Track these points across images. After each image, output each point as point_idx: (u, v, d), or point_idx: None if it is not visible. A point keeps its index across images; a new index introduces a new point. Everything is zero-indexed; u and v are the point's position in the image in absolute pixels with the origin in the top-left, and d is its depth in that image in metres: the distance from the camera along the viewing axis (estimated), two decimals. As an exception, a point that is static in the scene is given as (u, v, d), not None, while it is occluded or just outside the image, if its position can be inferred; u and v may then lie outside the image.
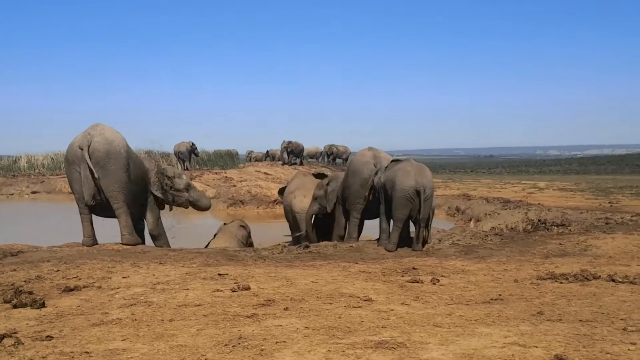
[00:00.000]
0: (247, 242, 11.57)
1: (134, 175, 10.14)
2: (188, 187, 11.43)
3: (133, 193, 10.13)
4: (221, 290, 5.88)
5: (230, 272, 6.94)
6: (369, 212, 11.01)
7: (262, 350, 3.95)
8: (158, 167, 11.22)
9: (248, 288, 5.93)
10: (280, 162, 35.91)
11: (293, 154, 35.75)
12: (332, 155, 41.74)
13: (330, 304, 5.38)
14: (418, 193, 9.57)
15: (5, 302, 5.38)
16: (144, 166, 10.73)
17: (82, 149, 9.60)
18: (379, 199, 10.39)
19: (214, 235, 11.40)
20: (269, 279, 6.59)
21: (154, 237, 10.84)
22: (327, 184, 11.90)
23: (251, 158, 44.89)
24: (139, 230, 10.62)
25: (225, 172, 29.98)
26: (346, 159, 41.48)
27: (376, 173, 10.52)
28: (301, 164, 36.64)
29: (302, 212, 12.20)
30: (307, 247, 9.73)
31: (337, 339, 4.20)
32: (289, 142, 35.10)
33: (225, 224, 11.89)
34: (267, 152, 43.81)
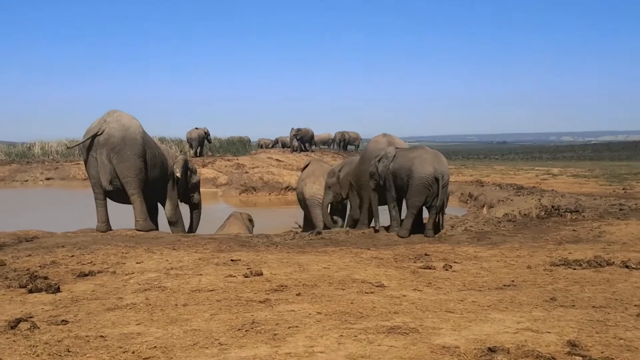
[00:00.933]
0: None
1: (152, 162, 10.18)
2: (197, 185, 11.61)
3: (151, 180, 10.19)
4: (234, 276, 5.91)
5: (243, 258, 6.98)
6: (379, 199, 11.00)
7: (274, 334, 3.97)
8: (184, 157, 11.40)
9: (260, 274, 5.95)
10: (290, 150, 35.84)
11: (303, 140, 35.65)
12: (344, 142, 41.65)
13: (343, 289, 5.39)
14: (437, 180, 9.56)
15: (21, 287, 5.44)
16: (162, 153, 10.78)
17: (97, 135, 9.66)
18: (384, 187, 10.35)
19: (224, 223, 11.49)
20: (282, 264, 6.61)
21: (171, 224, 10.92)
22: (339, 170, 11.90)
23: (261, 145, 44.88)
24: (153, 216, 10.69)
25: (237, 159, 30.01)
26: (357, 146, 41.37)
27: (379, 160, 10.44)
28: (311, 150, 36.57)
29: (311, 199, 12.26)
30: (319, 233, 9.75)
31: (349, 324, 4.22)
32: (298, 129, 35.00)
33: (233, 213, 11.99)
34: (277, 139, 43.77)
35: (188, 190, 11.45)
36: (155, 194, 10.57)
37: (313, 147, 37.71)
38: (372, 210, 10.93)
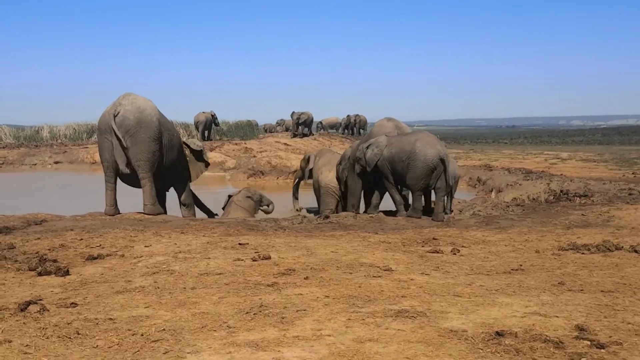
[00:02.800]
0: (256, 210, 11.79)
1: (169, 144, 10.19)
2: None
3: (168, 163, 10.22)
4: (242, 260, 5.93)
5: (251, 242, 6.99)
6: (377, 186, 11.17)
7: (282, 318, 3.98)
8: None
9: (268, 257, 5.96)
10: (291, 134, 35.68)
11: (305, 124, 35.55)
12: (351, 126, 41.50)
13: (350, 273, 5.40)
14: (442, 161, 9.78)
15: (30, 269, 5.47)
16: (179, 136, 10.81)
17: (111, 117, 9.64)
18: (376, 174, 10.49)
19: (223, 209, 11.63)
20: (289, 248, 6.62)
21: (184, 206, 10.96)
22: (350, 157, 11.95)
23: (266, 130, 44.82)
24: (162, 201, 10.73)
25: (245, 143, 29.99)
26: (363, 129, 41.16)
27: (367, 147, 10.63)
28: (311, 133, 36.43)
29: (325, 187, 12.35)
30: (327, 217, 9.76)
31: (357, 308, 4.22)
32: (301, 114, 34.87)
33: (230, 196, 12.03)
34: (277, 122, 43.64)
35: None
36: (170, 176, 10.61)
37: (311, 130, 37.48)
38: (358, 195, 11.12)
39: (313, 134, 36.60)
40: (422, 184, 9.88)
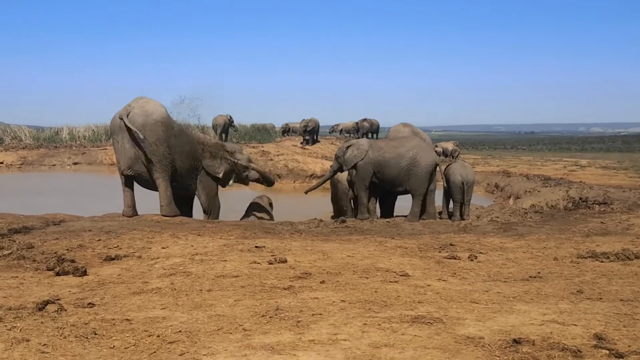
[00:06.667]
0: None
1: (179, 149, 10.18)
2: (250, 161, 11.66)
3: (179, 168, 10.23)
4: (258, 263, 5.93)
5: (267, 245, 6.99)
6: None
7: (298, 321, 3.98)
8: (219, 144, 11.47)
9: (285, 261, 5.96)
10: (300, 141, 35.51)
11: (313, 131, 35.48)
12: (364, 130, 41.26)
13: (367, 278, 5.38)
14: (438, 165, 10.74)
15: (49, 269, 5.51)
16: (193, 141, 10.72)
17: (121, 119, 9.75)
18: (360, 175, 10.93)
19: (246, 212, 11.58)
20: (306, 252, 6.62)
21: (205, 213, 10.94)
22: None
23: (284, 132, 44.66)
24: (188, 208, 10.79)
25: (262, 146, 30.04)
26: (376, 133, 40.83)
27: (347, 147, 11.22)
28: (317, 140, 36.27)
29: (343, 182, 12.38)
30: (343, 221, 9.75)
31: (373, 313, 4.21)
32: (309, 120, 34.80)
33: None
34: (284, 127, 43.50)
35: (244, 172, 11.46)
36: (186, 183, 10.59)
37: (317, 137, 37.21)
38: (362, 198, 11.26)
39: (319, 141, 36.50)
40: (424, 188, 10.59)
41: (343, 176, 12.46)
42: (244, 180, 11.58)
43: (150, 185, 10.18)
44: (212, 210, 10.93)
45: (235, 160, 11.15)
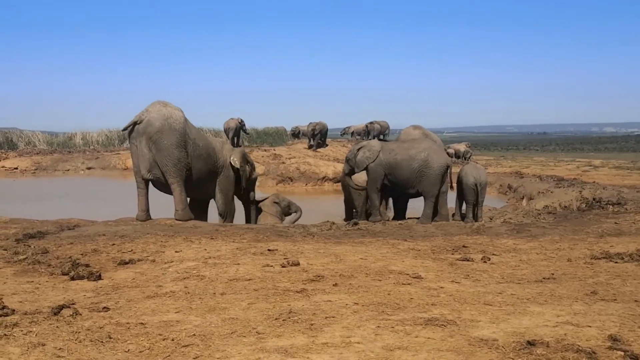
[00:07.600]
0: (283, 216, 11.83)
1: (195, 153, 10.22)
2: (254, 182, 11.80)
3: (195, 172, 10.26)
4: (271, 266, 5.94)
5: (280, 248, 7.01)
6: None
7: (311, 324, 3.98)
8: (242, 150, 11.57)
9: (297, 264, 5.97)
10: (308, 145, 35.40)
11: (321, 134, 35.39)
12: (375, 132, 41.13)
13: (380, 280, 5.38)
14: (449, 167, 10.73)
15: (63, 274, 5.56)
16: (209, 146, 10.76)
17: (137, 124, 9.81)
18: (372, 177, 11.03)
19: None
20: (318, 255, 6.62)
21: (220, 216, 10.99)
22: None
23: (294, 134, 44.57)
24: (204, 213, 10.84)
25: (274, 149, 30.12)
26: (385, 135, 40.67)
27: (358, 149, 11.30)
28: (325, 144, 36.17)
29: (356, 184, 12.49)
30: (355, 224, 9.75)
31: (386, 315, 4.21)
32: (316, 124, 34.71)
33: (258, 202, 12.04)
34: (294, 130, 43.42)
35: (248, 185, 11.47)
36: (202, 187, 10.63)
37: (325, 140, 37.09)
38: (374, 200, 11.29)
39: (327, 145, 36.44)
40: (436, 190, 10.63)
41: (355, 178, 12.47)
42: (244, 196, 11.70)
43: (167, 189, 10.24)
44: (227, 214, 10.98)
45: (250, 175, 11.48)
